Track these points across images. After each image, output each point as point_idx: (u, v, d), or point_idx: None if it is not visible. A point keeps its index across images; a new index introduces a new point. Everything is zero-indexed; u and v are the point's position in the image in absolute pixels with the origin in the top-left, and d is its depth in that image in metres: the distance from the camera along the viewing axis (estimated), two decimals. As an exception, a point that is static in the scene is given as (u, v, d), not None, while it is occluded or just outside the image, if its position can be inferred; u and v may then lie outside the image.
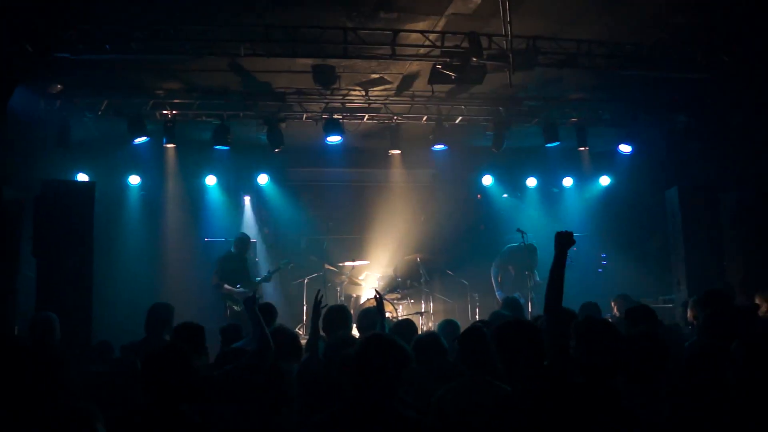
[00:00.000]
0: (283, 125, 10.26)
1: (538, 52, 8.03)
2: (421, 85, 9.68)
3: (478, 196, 13.33)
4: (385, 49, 8.07)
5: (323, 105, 10.23)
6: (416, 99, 10.29)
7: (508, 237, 11.56)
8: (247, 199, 12.55)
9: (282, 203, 12.54)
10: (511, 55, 7.60)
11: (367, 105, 10.31)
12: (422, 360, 4.65)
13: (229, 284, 10.11)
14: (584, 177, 13.03)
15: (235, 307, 9.97)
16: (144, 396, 3.47)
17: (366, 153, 11.90)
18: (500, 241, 11.47)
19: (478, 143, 11.71)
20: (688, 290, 9.03)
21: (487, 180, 13.12)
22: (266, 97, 9.96)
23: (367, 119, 10.62)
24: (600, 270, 12.66)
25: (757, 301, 7.22)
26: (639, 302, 6.46)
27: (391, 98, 10.26)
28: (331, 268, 11.59)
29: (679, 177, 10.57)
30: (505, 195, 13.19)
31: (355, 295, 11.67)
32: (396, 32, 7.91)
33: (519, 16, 7.39)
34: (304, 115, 10.36)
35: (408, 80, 9.62)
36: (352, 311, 10.03)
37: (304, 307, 11.20)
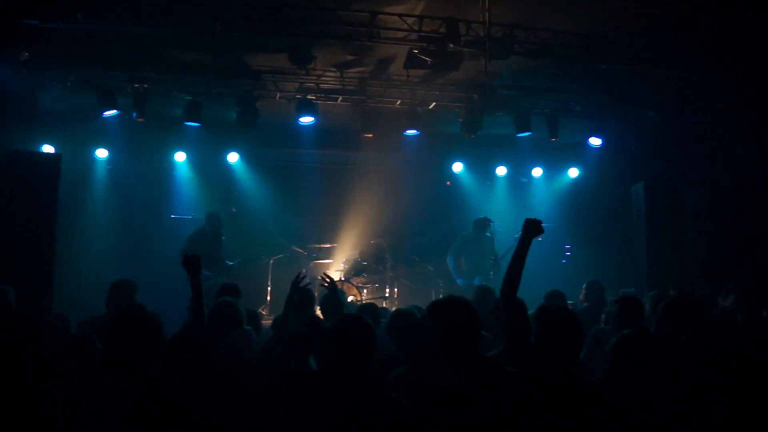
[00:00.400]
0: (257, 104, 10.15)
1: (515, 41, 8.06)
2: (396, 68, 9.63)
3: (448, 182, 13.37)
4: (363, 31, 8.02)
5: (297, 85, 10.14)
6: (391, 82, 10.26)
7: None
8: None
9: (251, 182, 12.43)
10: (487, 43, 7.61)
11: (341, 87, 10.24)
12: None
13: None
14: (553, 168, 13.18)
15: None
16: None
17: (338, 135, 11.83)
18: (468, 229, 11.54)
19: (450, 129, 11.73)
20: (648, 284, 9.20)
21: (457, 167, 13.17)
22: (240, 74, 9.82)
23: (341, 101, 10.56)
24: (564, 261, 12.83)
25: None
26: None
27: (365, 81, 10.22)
28: (298, 249, 11.57)
29: (646, 172, 10.74)
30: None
31: (320, 277, 11.65)
32: (374, 14, 7.86)
33: (497, 4, 7.42)
34: (278, 95, 10.25)
35: (383, 63, 9.58)
36: (317, 293, 10.08)
37: (268, 288, 11.17)
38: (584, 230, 12.53)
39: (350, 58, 9.36)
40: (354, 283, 11.06)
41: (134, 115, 9.90)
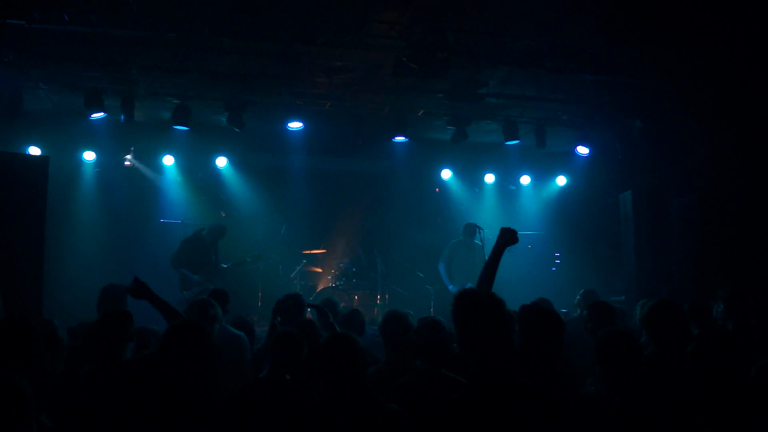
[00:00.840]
0: (245, 108, 10.14)
1: (503, 50, 8.09)
2: (384, 75, 9.65)
3: (436, 189, 13.41)
4: (351, 38, 8.03)
5: (286, 90, 10.14)
6: (379, 89, 10.28)
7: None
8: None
9: (240, 187, 12.41)
10: (476, 52, 7.64)
11: (329, 92, 10.25)
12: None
13: (188, 269, 9.93)
14: (541, 176, 13.24)
15: (186, 294, 9.82)
16: None
17: (327, 140, 11.85)
18: (457, 235, 11.57)
19: (438, 136, 11.78)
20: (637, 293, 9.23)
21: (446, 174, 13.21)
22: (229, 78, 9.80)
23: (330, 107, 10.57)
24: (553, 268, 12.88)
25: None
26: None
27: (354, 87, 10.23)
28: (287, 255, 11.55)
29: (633, 181, 10.80)
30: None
31: (310, 284, 11.65)
32: (363, 21, 7.88)
33: (485, 13, 7.45)
34: (267, 100, 10.25)
35: (372, 70, 9.60)
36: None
37: (259, 294, 11.15)
38: (573, 238, 12.59)
39: (339, 64, 9.37)
40: (344, 289, 11.05)
41: (122, 117, 9.87)
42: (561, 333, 3.87)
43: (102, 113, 9.60)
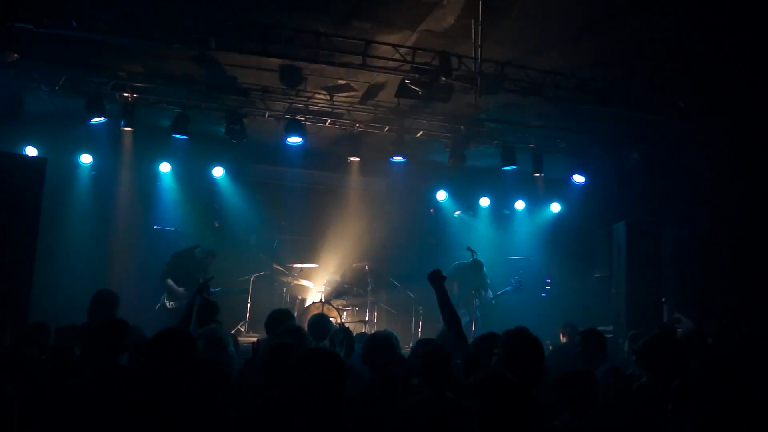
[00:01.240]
0: (245, 120, 10.17)
1: (506, 78, 8.18)
2: (385, 95, 9.74)
3: (431, 210, 13.44)
4: (356, 58, 8.11)
5: (287, 105, 10.19)
6: (380, 109, 10.35)
7: (456, 254, 11.67)
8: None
9: (235, 198, 12.39)
10: (479, 78, 7.72)
11: (330, 110, 10.33)
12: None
13: (175, 282, 9.93)
14: (536, 202, 13.29)
15: (168, 305, 9.88)
16: None
17: (325, 157, 11.88)
18: (449, 257, 11.59)
19: (436, 158, 11.84)
20: (627, 324, 9.27)
21: (441, 195, 13.25)
22: (230, 90, 9.85)
23: (330, 124, 10.63)
24: (544, 294, 12.90)
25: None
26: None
27: (355, 105, 10.30)
28: (279, 267, 11.53)
29: (627, 212, 10.87)
30: (457, 213, 13.32)
31: (300, 297, 11.62)
32: (368, 42, 7.95)
33: (490, 40, 7.54)
34: (267, 113, 10.30)
35: (374, 90, 9.68)
36: (296, 313, 10.06)
37: (248, 305, 11.12)
38: (564, 266, 12.62)
39: (341, 82, 9.44)
40: (334, 305, 11.03)
41: (122, 123, 9.87)
42: (541, 360, 3.93)
43: (102, 118, 9.60)
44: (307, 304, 11.19)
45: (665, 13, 7.07)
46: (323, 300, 10.99)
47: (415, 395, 4.04)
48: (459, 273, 11.26)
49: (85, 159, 11.36)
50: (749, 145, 9.16)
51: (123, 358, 4.53)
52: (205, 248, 10.32)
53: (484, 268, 11.11)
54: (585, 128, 10.79)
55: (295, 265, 11.67)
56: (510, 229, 13.39)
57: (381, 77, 8.97)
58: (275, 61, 8.57)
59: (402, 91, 8.36)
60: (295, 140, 10.32)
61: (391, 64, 8.23)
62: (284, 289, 11.56)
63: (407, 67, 8.17)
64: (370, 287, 11.52)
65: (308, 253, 12.12)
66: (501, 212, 13.50)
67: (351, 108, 10.35)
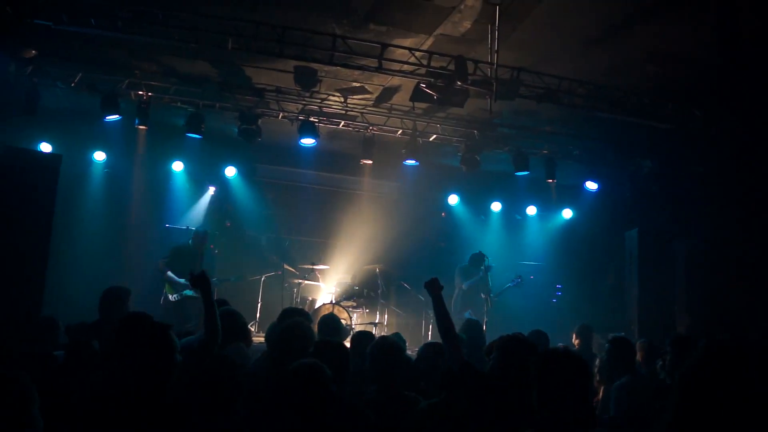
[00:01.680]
0: (258, 121, 10.20)
1: (521, 83, 8.16)
2: (399, 99, 9.75)
3: (443, 214, 13.43)
4: (371, 61, 8.11)
5: (301, 106, 10.22)
6: (393, 112, 10.37)
7: (467, 258, 11.61)
8: (211, 189, 12.37)
9: (247, 198, 12.42)
10: (494, 84, 7.70)
11: (344, 112, 10.34)
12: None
13: (174, 274, 10.02)
14: (548, 207, 13.27)
15: (171, 297, 9.95)
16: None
17: (337, 158, 11.91)
18: (460, 261, 11.56)
19: (448, 162, 11.83)
20: (639, 331, 9.23)
21: (453, 199, 13.25)
22: (245, 90, 9.89)
23: (343, 126, 10.64)
24: (554, 300, 12.87)
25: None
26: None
27: (368, 108, 10.31)
28: (290, 268, 11.54)
29: (640, 219, 10.83)
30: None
31: (311, 298, 11.62)
32: (384, 46, 7.96)
33: (506, 46, 7.53)
34: (281, 114, 10.33)
35: (388, 93, 9.69)
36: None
37: (258, 305, 11.13)
38: (575, 272, 12.59)
39: (355, 85, 9.45)
40: (344, 306, 11.03)
41: (137, 121, 9.92)
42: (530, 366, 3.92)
43: (117, 116, 9.65)
44: (317, 306, 11.18)
45: (679, 21, 7.05)
46: (334, 301, 10.99)
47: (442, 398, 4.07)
48: (465, 275, 11.23)
49: (99, 156, 11.42)
50: (763, 154, 9.10)
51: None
52: (195, 232, 10.42)
53: (482, 266, 11.03)
54: (598, 135, 10.75)
55: (306, 266, 11.68)
56: (521, 234, 13.38)
57: (395, 80, 8.98)
58: (290, 63, 8.59)
59: (417, 95, 8.34)
60: (308, 141, 10.34)
61: (406, 67, 8.23)
62: (295, 289, 11.57)
63: (423, 70, 8.16)
64: (381, 289, 11.50)
65: (319, 255, 12.14)
66: (513, 217, 13.48)
67: (364, 110, 10.36)
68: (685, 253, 10.38)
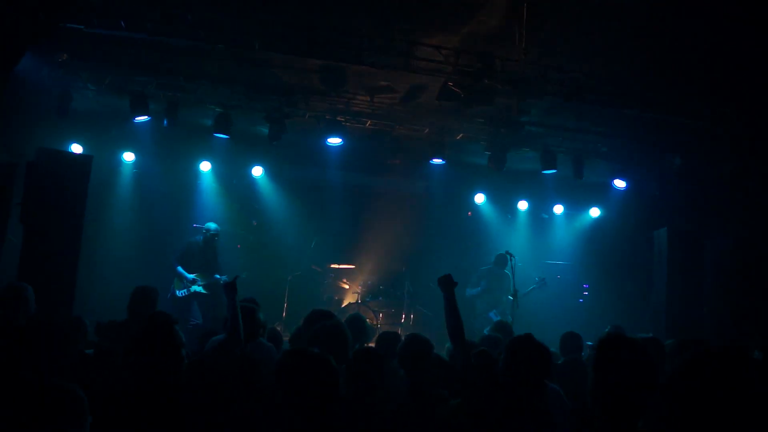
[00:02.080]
0: (285, 121, 10.24)
1: (549, 81, 8.09)
2: (426, 97, 9.71)
3: (469, 213, 13.38)
4: (399, 60, 8.09)
5: (327, 106, 10.23)
6: (420, 110, 10.33)
7: (493, 258, 11.56)
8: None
9: (274, 197, 12.49)
10: (522, 82, 7.65)
11: (371, 111, 10.33)
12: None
13: (187, 270, 10.21)
14: (575, 206, 13.15)
15: (177, 293, 10.11)
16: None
17: (364, 158, 11.91)
18: (486, 261, 11.52)
19: (475, 161, 11.78)
20: (666, 332, 9.10)
21: (480, 198, 13.20)
22: (272, 91, 9.93)
23: (370, 125, 10.64)
24: (581, 300, 12.76)
25: None
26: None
27: (395, 107, 10.29)
28: (316, 268, 11.59)
29: (668, 218, 10.68)
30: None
31: (336, 298, 11.67)
32: (411, 44, 7.94)
33: (533, 44, 7.47)
34: (307, 114, 10.36)
35: (414, 91, 9.65)
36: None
37: (284, 305, 11.18)
38: (603, 271, 12.46)
39: (383, 83, 9.44)
40: (370, 306, 11.05)
41: (165, 122, 10.02)
42: (547, 369, 3.92)
43: (146, 117, 9.76)
44: (343, 305, 11.22)
45: (710, 18, 6.93)
46: (359, 301, 11.01)
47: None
48: (486, 278, 11.21)
49: (128, 157, 11.57)
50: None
51: None
52: (210, 227, 10.51)
53: (507, 268, 10.99)
54: (627, 133, 10.63)
55: (332, 266, 11.71)
56: (548, 233, 13.28)
57: (422, 79, 8.94)
58: (317, 62, 8.61)
59: (444, 93, 8.32)
60: (335, 141, 10.37)
61: (433, 66, 8.21)
62: (321, 289, 11.62)
63: (450, 69, 8.13)
64: (407, 289, 11.51)
65: (345, 254, 12.17)
66: (539, 216, 13.38)
67: (391, 109, 10.35)
68: (716, 253, 10.22)
